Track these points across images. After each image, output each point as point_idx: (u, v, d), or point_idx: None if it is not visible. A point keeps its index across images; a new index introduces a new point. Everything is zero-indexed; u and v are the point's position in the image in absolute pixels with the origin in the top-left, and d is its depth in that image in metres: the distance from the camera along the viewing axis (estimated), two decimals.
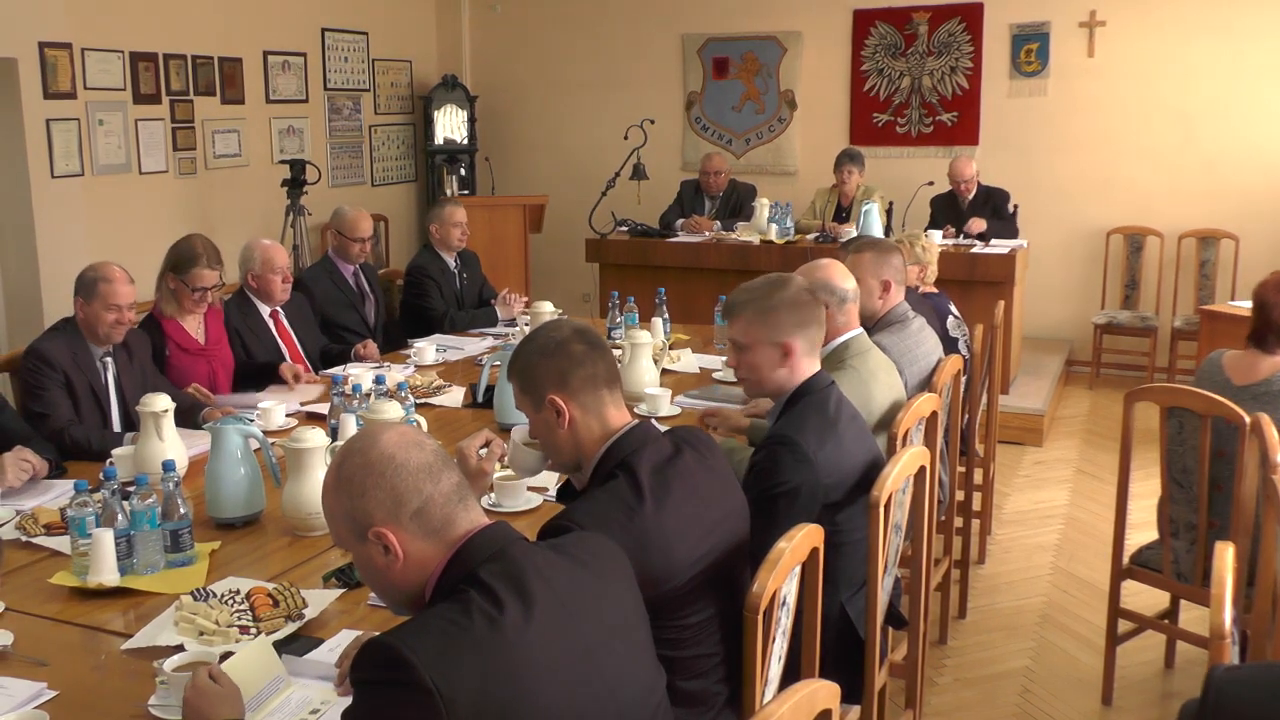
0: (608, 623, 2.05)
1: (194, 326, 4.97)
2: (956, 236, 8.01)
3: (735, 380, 3.57)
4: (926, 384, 4.33)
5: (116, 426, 4.30)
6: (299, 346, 5.46)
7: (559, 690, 1.89)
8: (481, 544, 2.00)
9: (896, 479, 3.02)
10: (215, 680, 2.16)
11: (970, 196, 8.36)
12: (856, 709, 3.12)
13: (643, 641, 2.16)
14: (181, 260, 4.89)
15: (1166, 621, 4.42)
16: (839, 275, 3.89)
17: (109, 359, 4.35)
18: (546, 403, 2.64)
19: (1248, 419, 3.63)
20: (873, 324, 4.32)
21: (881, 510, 2.91)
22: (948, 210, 8.39)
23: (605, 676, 1.99)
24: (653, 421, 2.84)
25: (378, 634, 1.87)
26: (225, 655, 2.40)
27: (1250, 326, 4.09)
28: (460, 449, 2.89)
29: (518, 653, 1.85)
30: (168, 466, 3.11)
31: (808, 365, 3.22)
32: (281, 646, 2.50)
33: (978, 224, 8.06)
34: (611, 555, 2.19)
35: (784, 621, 2.58)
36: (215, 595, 2.75)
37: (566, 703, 1.90)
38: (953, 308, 5.37)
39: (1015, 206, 8.37)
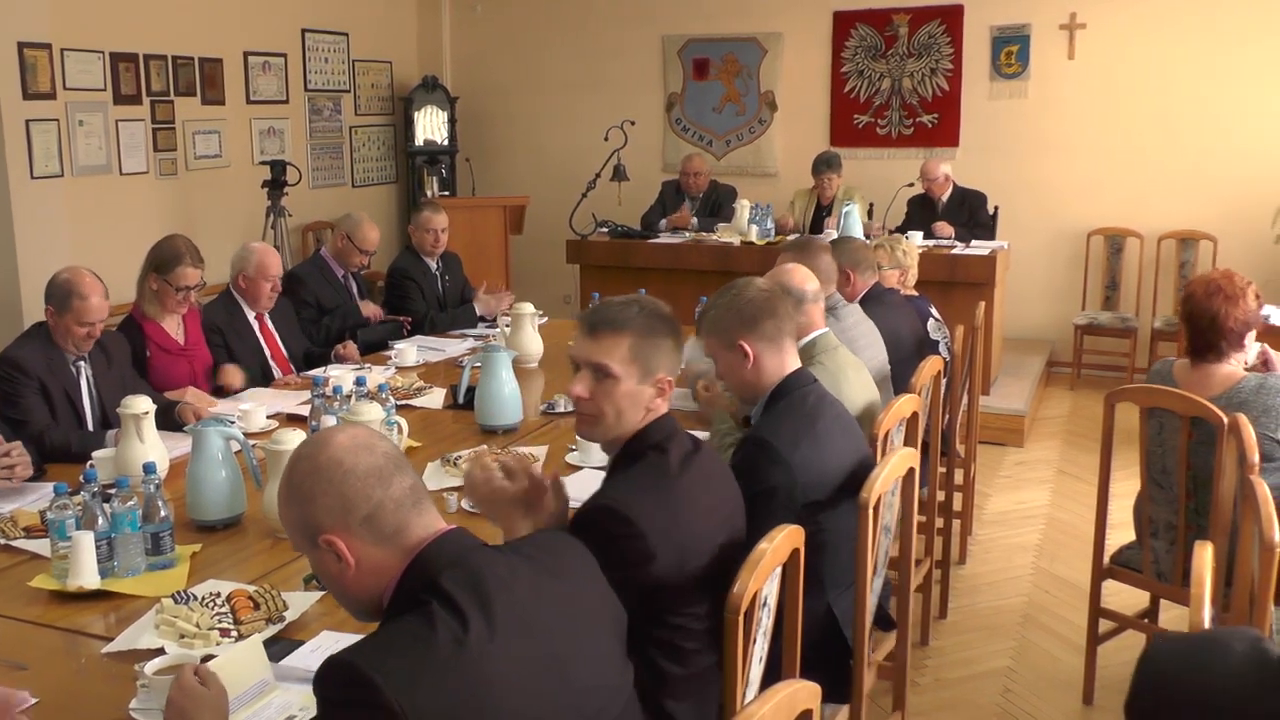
0: (573, 627, 2.02)
1: (174, 327, 4.96)
2: (930, 236, 8.02)
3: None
4: (878, 379, 4.33)
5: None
6: (282, 347, 5.45)
7: (525, 703, 1.87)
8: (439, 552, 1.95)
9: (886, 480, 3.03)
10: (203, 681, 2.09)
11: (944, 197, 8.37)
12: (843, 710, 3.13)
13: (611, 641, 2.14)
14: (164, 260, 4.88)
15: (1147, 621, 4.44)
16: (798, 278, 3.87)
17: (83, 363, 4.33)
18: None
19: (1226, 420, 3.65)
20: None
21: (871, 512, 2.92)
22: (923, 211, 8.40)
23: (571, 684, 1.96)
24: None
25: (340, 652, 1.82)
26: (206, 658, 2.40)
27: (1189, 340, 4.00)
28: (475, 480, 2.66)
29: (483, 667, 1.82)
30: (149, 469, 3.10)
31: (777, 363, 3.21)
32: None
33: (944, 228, 8.06)
34: (576, 553, 2.17)
35: (765, 622, 2.58)
36: (196, 598, 2.74)
37: (533, 715, 1.88)
38: (933, 310, 5.39)
39: (995, 209, 8.39)
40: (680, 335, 2.73)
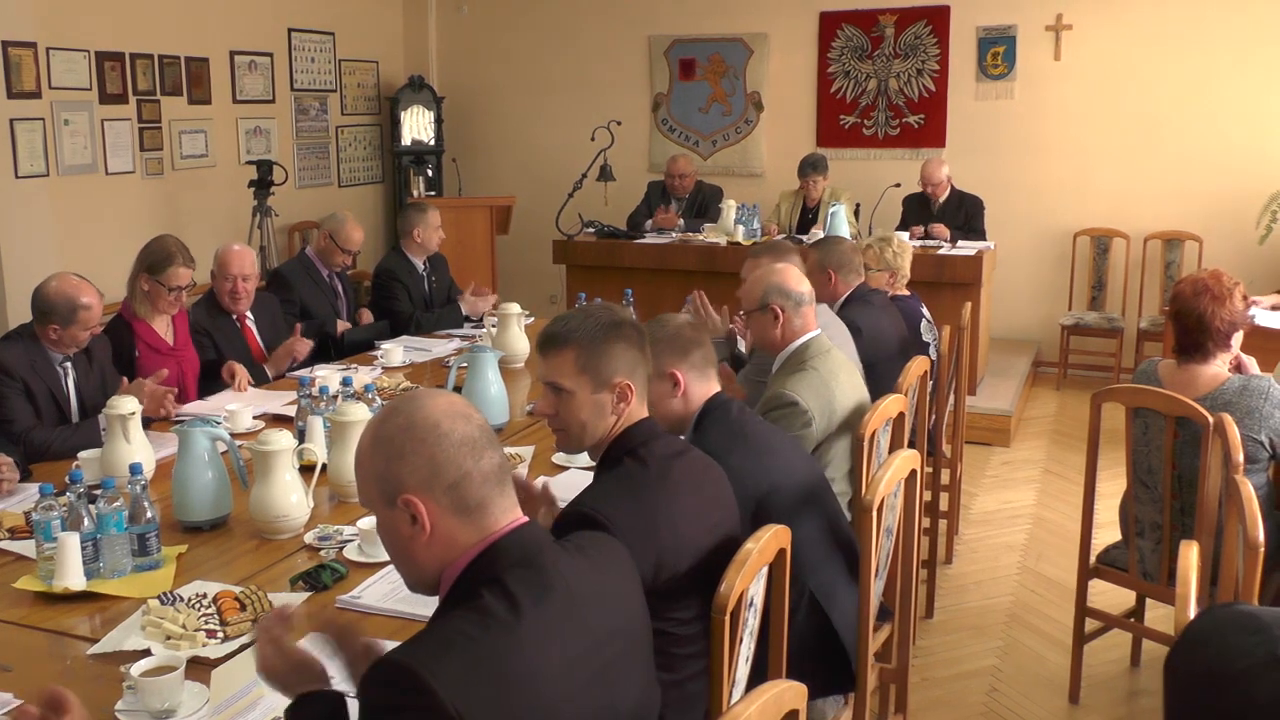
0: (623, 635, 2.01)
1: (163, 328, 4.96)
2: (924, 237, 8.02)
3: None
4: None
5: None
6: (264, 348, 5.43)
7: (573, 707, 1.84)
8: (511, 547, 1.92)
9: (889, 483, 3.03)
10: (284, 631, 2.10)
11: (942, 199, 8.38)
12: (847, 711, 3.13)
13: (646, 655, 2.13)
14: (156, 261, 4.87)
15: (1133, 620, 4.45)
16: (792, 279, 3.88)
17: (68, 364, 4.34)
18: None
19: (1211, 419, 3.66)
20: None
21: (874, 514, 2.92)
22: (919, 210, 8.41)
23: (613, 692, 1.95)
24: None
25: (390, 652, 1.77)
26: (194, 659, 2.39)
27: (1176, 338, 4.02)
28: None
29: (539, 673, 1.79)
30: (135, 469, 3.09)
31: (702, 390, 3.20)
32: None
33: (941, 230, 8.06)
34: (626, 561, 2.17)
35: (751, 622, 2.58)
36: (182, 599, 2.74)
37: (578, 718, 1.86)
38: (925, 311, 5.39)
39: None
40: (643, 337, 2.72)
